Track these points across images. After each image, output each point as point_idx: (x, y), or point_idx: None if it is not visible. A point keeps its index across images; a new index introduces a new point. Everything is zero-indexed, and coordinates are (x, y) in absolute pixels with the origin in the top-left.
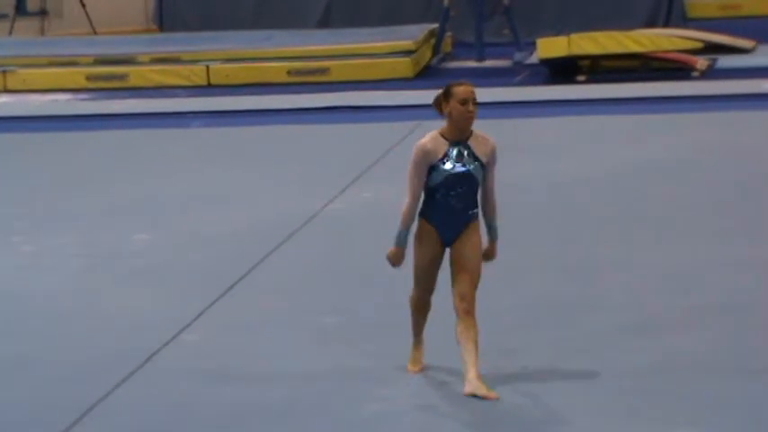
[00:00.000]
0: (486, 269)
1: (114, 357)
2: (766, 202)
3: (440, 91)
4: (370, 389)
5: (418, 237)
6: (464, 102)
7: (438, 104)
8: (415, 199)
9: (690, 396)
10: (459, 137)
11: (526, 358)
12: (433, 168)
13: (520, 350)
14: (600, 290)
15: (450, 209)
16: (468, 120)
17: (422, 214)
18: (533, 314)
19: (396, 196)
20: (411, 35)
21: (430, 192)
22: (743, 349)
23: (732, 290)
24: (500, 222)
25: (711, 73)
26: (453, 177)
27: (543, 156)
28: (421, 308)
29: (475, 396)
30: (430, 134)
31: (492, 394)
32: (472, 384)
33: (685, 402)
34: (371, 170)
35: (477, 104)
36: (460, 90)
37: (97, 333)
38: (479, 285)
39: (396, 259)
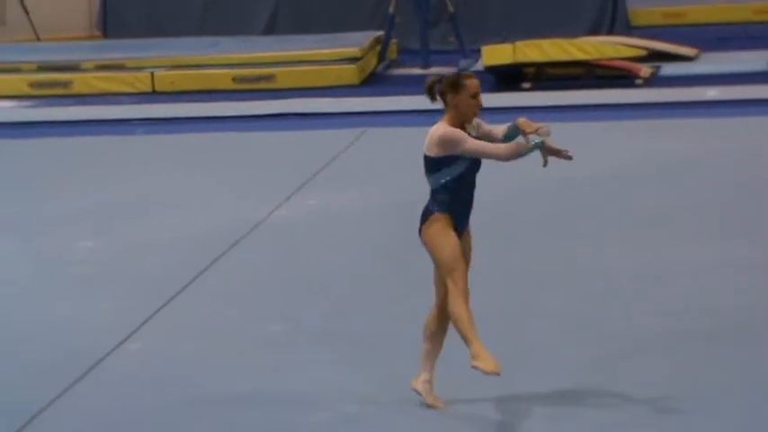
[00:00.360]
0: (426, 274)
1: (59, 365)
2: (708, 210)
3: (435, 78)
4: (318, 395)
5: (441, 229)
6: (475, 95)
7: (440, 93)
8: (498, 148)
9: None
10: (461, 127)
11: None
12: (457, 157)
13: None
14: (538, 297)
15: (466, 198)
16: (476, 113)
17: (441, 206)
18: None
19: (341, 203)
20: (356, 42)
21: (451, 182)
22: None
23: (675, 297)
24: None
25: (655, 80)
26: (472, 165)
27: (487, 164)
28: (444, 326)
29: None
30: (444, 124)
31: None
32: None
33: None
34: (317, 177)
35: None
36: (473, 84)
37: (41, 340)
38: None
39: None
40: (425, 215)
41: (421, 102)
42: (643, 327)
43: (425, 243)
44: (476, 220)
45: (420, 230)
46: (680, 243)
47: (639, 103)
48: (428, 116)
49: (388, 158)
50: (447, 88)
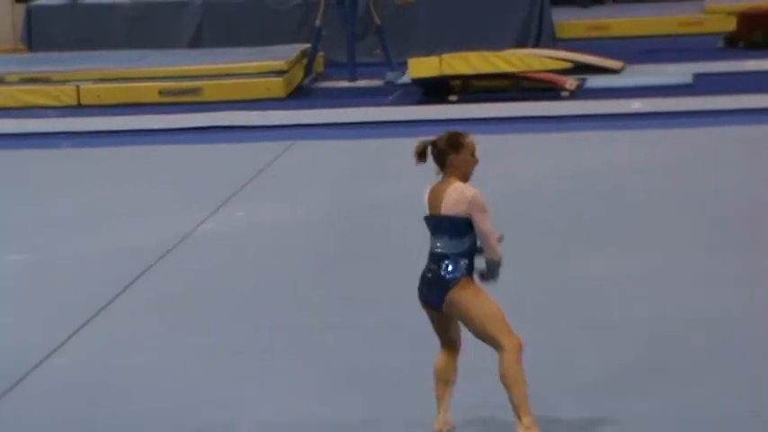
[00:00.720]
0: (352, 287)
1: None
2: (631, 220)
3: (427, 140)
4: (246, 407)
5: (478, 289)
6: (473, 153)
7: (437, 154)
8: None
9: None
10: None
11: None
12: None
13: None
14: None
15: None
16: (473, 170)
17: (466, 271)
18: (405, 333)
19: (269, 215)
20: (283, 55)
21: (472, 247)
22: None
23: (594, 307)
24: (371, 242)
25: (580, 93)
26: None
27: (415, 176)
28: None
29: None
30: (463, 183)
31: None
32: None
33: None
34: (244, 190)
35: None
36: (472, 142)
37: None
38: None
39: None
40: (448, 283)
41: (348, 114)
42: (564, 338)
43: (457, 304)
44: (395, 225)
45: (444, 300)
46: (600, 253)
47: (565, 115)
48: (355, 129)
49: (315, 171)
50: (448, 149)
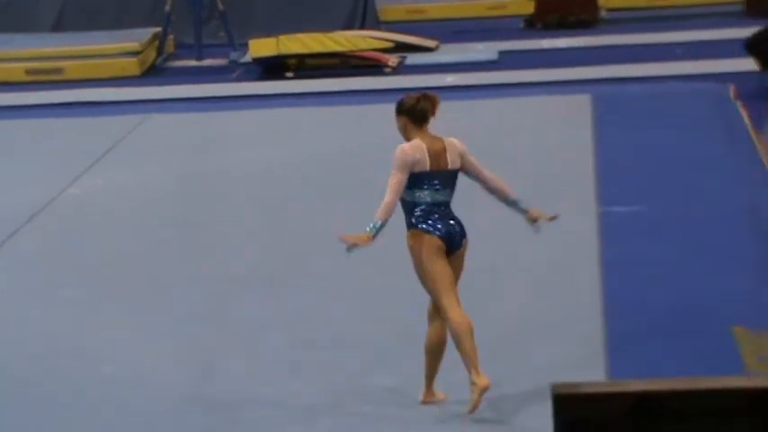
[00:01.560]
0: (203, 245)
1: None
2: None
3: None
4: (107, 354)
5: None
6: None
7: (428, 110)
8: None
9: None
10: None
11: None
12: None
13: None
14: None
15: None
16: None
17: None
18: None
19: (126, 182)
20: (137, 37)
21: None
22: None
23: None
24: (218, 205)
25: (401, 69)
26: None
27: (257, 144)
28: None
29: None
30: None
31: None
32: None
33: None
34: (104, 159)
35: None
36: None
37: None
38: None
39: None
40: (463, 228)
41: (196, 90)
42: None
43: (463, 252)
44: (236, 191)
45: (462, 243)
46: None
47: (388, 89)
48: (202, 103)
49: (168, 142)
50: (432, 107)
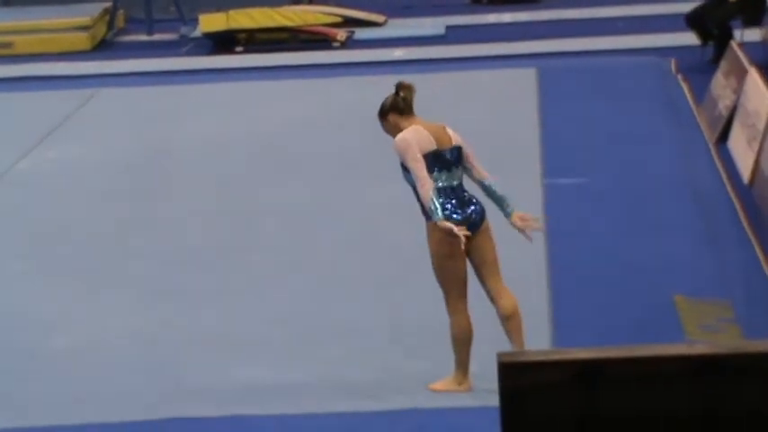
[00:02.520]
0: (153, 217)
1: None
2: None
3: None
4: (61, 327)
5: None
6: None
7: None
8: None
9: None
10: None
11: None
12: None
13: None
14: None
15: None
16: None
17: None
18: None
19: (77, 156)
20: (88, 12)
21: None
22: None
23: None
24: (168, 178)
25: (350, 43)
26: None
27: (207, 118)
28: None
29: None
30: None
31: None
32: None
33: None
34: (55, 133)
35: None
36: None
37: None
38: None
39: None
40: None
41: (147, 65)
42: None
43: (488, 230)
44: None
45: (481, 225)
46: (360, 184)
47: (337, 63)
48: (153, 78)
49: (118, 115)
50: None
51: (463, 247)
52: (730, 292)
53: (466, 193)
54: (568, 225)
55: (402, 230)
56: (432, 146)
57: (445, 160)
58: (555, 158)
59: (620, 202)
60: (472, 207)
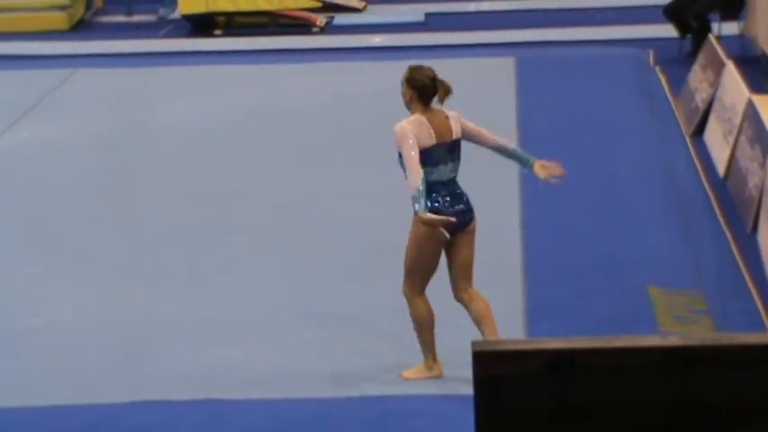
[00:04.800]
0: (130, 198)
1: None
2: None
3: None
4: (38, 307)
5: None
6: None
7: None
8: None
9: None
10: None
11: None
12: None
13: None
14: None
15: None
16: None
17: None
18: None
19: (53, 135)
20: None
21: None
22: None
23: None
24: (146, 159)
25: (329, 29)
26: None
27: (185, 101)
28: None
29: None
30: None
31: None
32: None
33: None
34: (31, 113)
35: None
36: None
37: None
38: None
39: None
40: (472, 207)
41: (125, 46)
42: None
43: (474, 231)
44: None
45: (470, 223)
46: (337, 170)
47: (316, 48)
48: (131, 59)
49: (96, 96)
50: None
51: (447, 235)
52: (704, 283)
53: (459, 190)
54: (544, 215)
55: (379, 217)
56: (430, 141)
57: (442, 155)
58: (532, 148)
59: (595, 193)
60: (462, 205)
